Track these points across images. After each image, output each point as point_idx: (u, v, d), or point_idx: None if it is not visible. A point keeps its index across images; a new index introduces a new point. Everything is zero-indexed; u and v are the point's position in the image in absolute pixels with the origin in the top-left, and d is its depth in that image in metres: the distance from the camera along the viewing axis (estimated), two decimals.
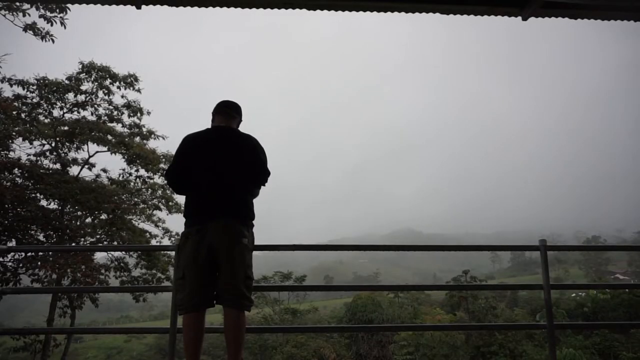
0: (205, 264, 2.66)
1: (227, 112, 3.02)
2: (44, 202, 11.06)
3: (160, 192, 13.23)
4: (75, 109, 11.92)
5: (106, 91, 11.90)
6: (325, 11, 2.98)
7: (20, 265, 10.10)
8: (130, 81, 11.93)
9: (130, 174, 12.30)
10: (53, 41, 8.62)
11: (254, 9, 2.98)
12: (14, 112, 10.71)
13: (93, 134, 11.69)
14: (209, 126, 3.04)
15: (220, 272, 2.69)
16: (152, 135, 12.67)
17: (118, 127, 12.49)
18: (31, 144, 11.25)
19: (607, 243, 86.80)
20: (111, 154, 12.12)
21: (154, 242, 13.14)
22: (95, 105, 12.12)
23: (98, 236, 12.36)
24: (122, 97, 12.19)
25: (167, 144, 13.24)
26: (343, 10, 2.99)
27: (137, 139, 12.51)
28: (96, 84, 11.77)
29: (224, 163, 2.79)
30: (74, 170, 12.51)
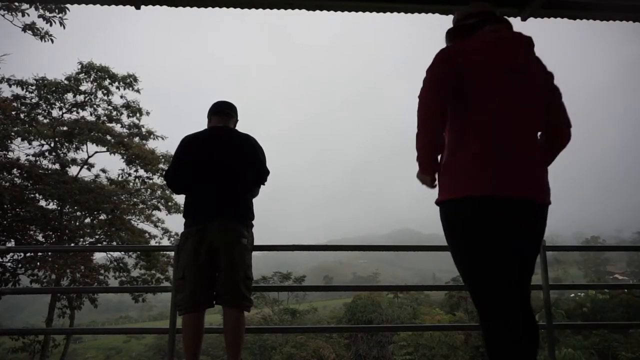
0: (205, 264, 2.66)
1: (224, 111, 3.00)
2: (43, 203, 11.07)
3: (159, 192, 13.24)
4: (75, 109, 11.92)
5: (105, 91, 11.91)
6: (325, 11, 2.98)
7: (20, 265, 10.10)
8: (129, 81, 11.93)
9: (130, 174, 12.30)
10: (52, 41, 8.63)
11: (253, 10, 2.98)
12: (13, 113, 10.71)
13: (92, 134, 11.69)
14: (205, 127, 3.03)
15: (220, 272, 2.68)
16: (152, 136, 12.66)
17: (117, 128, 12.51)
18: (30, 144, 11.25)
19: (606, 243, 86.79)
20: (110, 154, 12.11)
21: (153, 243, 13.14)
22: (95, 106, 12.12)
23: (97, 236, 12.35)
24: (121, 97, 12.21)
25: (166, 144, 13.25)
26: (342, 11, 2.99)
27: (137, 139, 12.51)
28: (95, 84, 11.77)
29: (223, 163, 2.79)
30: (73, 170, 12.53)
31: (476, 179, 1.62)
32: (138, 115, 12.45)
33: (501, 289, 1.59)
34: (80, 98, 11.80)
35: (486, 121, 1.68)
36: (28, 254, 10.19)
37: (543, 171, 1.75)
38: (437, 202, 1.77)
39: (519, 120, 1.69)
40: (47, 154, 11.86)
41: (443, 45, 1.94)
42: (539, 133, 1.81)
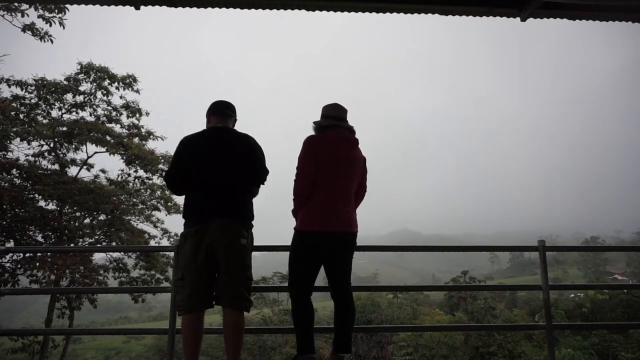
0: (205, 265, 2.66)
1: (223, 111, 2.99)
2: (42, 203, 11.06)
3: (159, 192, 13.21)
4: (74, 109, 11.90)
5: (105, 92, 11.88)
6: (325, 12, 2.99)
7: (19, 266, 10.08)
8: (129, 82, 11.92)
9: (129, 175, 12.28)
10: (52, 41, 8.62)
11: (252, 10, 2.98)
12: (12, 113, 10.69)
13: (92, 134, 11.67)
14: (204, 127, 3.02)
15: (220, 272, 2.68)
16: (151, 136, 12.64)
17: (117, 128, 12.49)
18: (29, 144, 11.24)
19: (606, 244, 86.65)
20: (110, 154, 12.08)
21: (152, 243, 13.12)
22: (94, 106, 12.10)
23: (97, 237, 12.33)
24: (121, 97, 12.18)
25: (166, 145, 13.19)
26: (342, 11, 3.00)
27: (136, 139, 12.49)
28: (95, 84, 11.75)
29: (222, 163, 2.78)
30: (72, 170, 12.51)
31: (313, 221, 2.80)
32: (137, 115, 12.43)
33: (303, 276, 2.87)
34: (79, 98, 11.78)
35: (324, 189, 2.82)
36: (27, 255, 10.17)
37: (352, 214, 2.97)
38: (295, 228, 2.91)
39: (341, 189, 2.89)
40: (46, 154, 11.85)
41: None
42: (354, 194, 3.03)
